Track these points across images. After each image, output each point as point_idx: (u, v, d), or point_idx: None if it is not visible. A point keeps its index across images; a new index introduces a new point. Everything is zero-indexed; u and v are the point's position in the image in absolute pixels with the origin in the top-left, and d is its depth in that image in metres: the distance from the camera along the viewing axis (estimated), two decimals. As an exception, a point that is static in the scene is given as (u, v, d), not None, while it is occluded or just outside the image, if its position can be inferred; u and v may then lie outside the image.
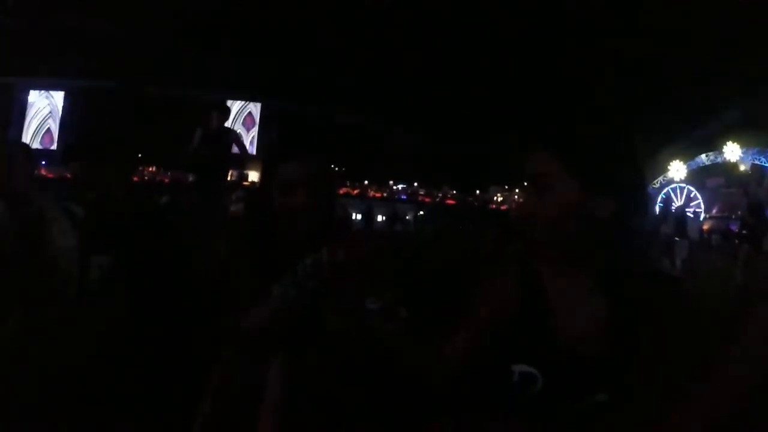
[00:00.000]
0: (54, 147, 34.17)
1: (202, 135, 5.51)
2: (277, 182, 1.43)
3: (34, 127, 35.64)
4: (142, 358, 1.70)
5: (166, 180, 30.81)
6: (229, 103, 7.86)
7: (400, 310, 1.23)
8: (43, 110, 36.08)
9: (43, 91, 36.05)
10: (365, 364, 1.36)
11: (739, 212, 10.26)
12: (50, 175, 20.82)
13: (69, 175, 1.94)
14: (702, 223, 22.63)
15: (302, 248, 1.41)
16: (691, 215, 23.57)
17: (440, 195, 37.37)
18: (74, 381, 1.60)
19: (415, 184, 38.45)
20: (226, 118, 5.81)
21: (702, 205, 27.39)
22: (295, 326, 1.34)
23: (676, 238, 9.60)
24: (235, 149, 5.81)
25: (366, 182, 36.95)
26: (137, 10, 29.94)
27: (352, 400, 1.34)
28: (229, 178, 6.37)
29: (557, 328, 1.12)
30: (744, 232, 8.18)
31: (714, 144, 28.09)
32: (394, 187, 38.45)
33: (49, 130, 35.88)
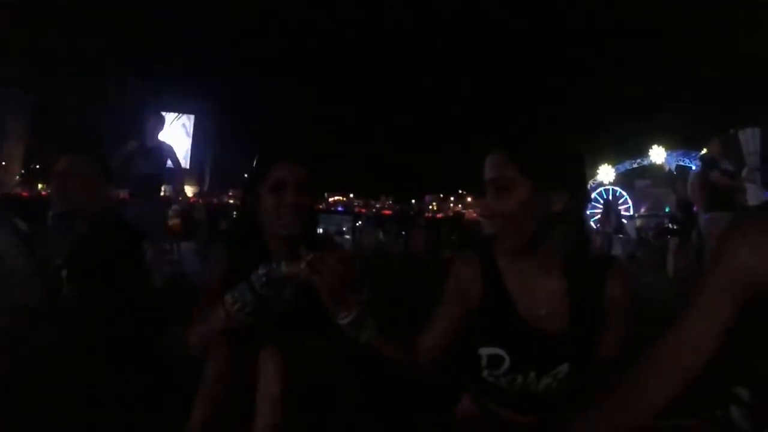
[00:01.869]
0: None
1: (138, 148, 5.25)
2: (269, 184, 1.50)
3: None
4: (115, 361, 1.67)
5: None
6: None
7: (369, 320, 1.30)
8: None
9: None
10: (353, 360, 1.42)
11: (668, 209, 10.89)
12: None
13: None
14: (634, 222, 23.82)
15: (286, 251, 1.46)
16: (628, 215, 24.77)
17: (377, 205, 37.47)
18: (49, 382, 1.56)
19: (351, 195, 38.35)
20: (161, 128, 5.57)
21: (630, 205, 28.77)
22: (273, 323, 1.36)
23: (620, 236, 10.13)
24: (169, 163, 5.58)
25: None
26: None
27: (346, 389, 1.37)
28: (162, 193, 5.99)
29: (519, 310, 1.23)
30: (674, 226, 8.69)
31: (640, 148, 29.70)
32: (330, 199, 38.24)
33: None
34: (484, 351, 1.23)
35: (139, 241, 1.97)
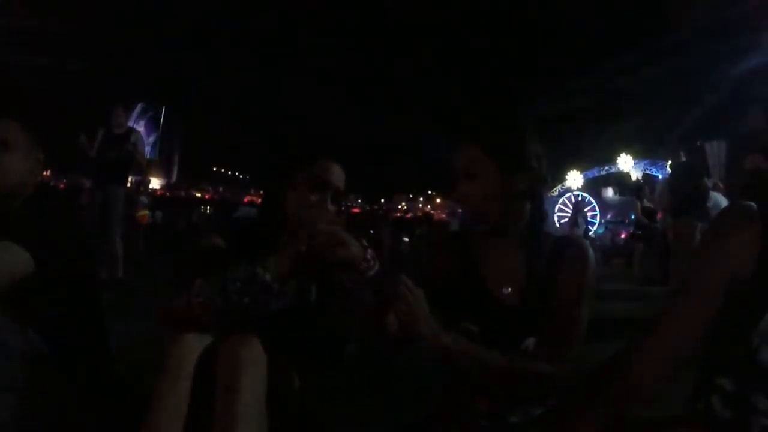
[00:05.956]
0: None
1: (105, 135, 5.21)
2: (308, 183, 1.53)
3: None
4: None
5: (62, 185, 28.65)
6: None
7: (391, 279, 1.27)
8: None
9: None
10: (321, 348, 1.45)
11: (633, 216, 11.23)
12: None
13: None
14: (605, 228, 24.46)
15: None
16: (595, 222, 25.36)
17: (346, 203, 37.54)
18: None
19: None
20: (130, 116, 5.46)
21: (597, 212, 29.37)
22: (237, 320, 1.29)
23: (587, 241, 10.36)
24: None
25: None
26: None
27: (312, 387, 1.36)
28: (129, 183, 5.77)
29: (489, 287, 1.30)
30: (639, 232, 8.98)
31: (609, 155, 30.41)
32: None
33: None
34: (455, 327, 1.25)
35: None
